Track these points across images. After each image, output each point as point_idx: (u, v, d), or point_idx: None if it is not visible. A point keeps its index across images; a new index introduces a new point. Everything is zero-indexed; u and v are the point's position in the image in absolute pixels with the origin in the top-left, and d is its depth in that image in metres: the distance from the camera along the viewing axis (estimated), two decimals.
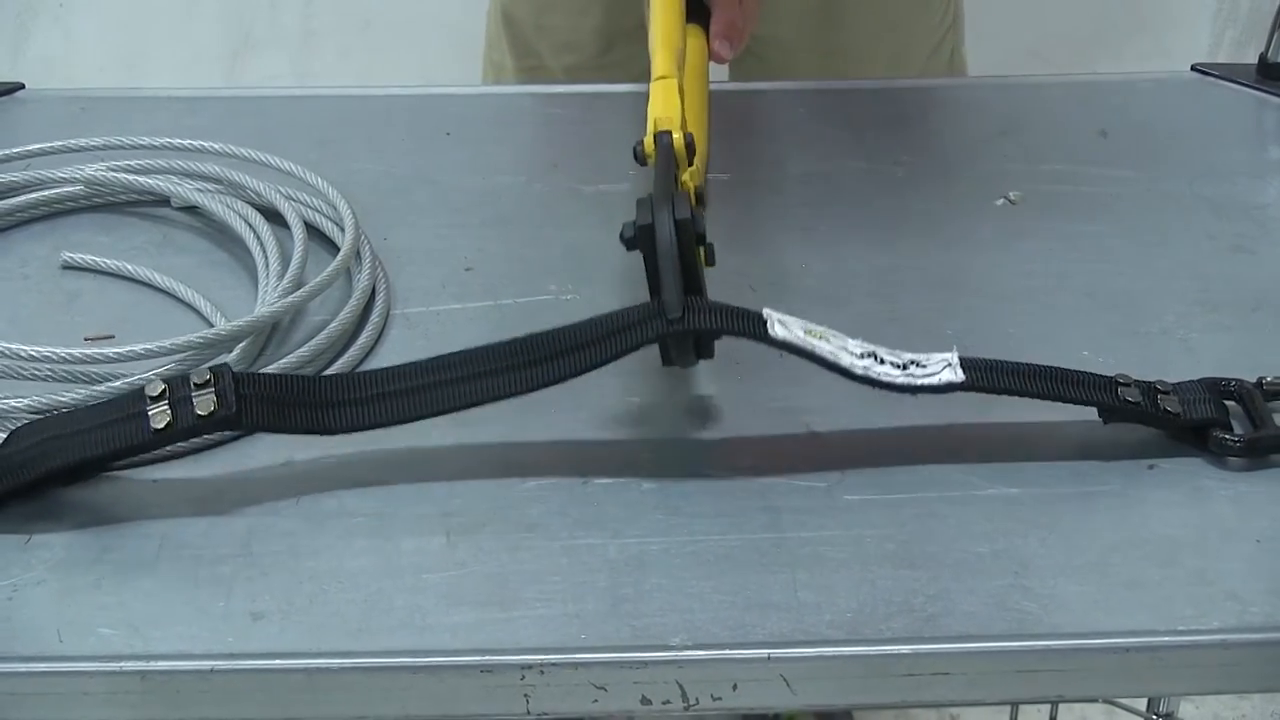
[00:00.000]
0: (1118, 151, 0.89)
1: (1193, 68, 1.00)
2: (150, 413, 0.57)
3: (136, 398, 0.58)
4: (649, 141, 0.68)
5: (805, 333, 0.60)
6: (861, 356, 0.60)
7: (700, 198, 0.71)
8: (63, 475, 0.58)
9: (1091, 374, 0.63)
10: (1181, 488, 0.61)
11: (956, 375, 0.60)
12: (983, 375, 0.61)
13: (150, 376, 0.61)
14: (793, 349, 0.59)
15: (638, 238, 0.60)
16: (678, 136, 0.68)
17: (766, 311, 0.60)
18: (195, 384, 0.58)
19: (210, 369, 0.59)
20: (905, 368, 0.60)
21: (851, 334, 0.70)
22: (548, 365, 0.60)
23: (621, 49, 1.12)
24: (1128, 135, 0.91)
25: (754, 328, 0.59)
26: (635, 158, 0.68)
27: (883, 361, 0.60)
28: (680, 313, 0.59)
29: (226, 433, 0.61)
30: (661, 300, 0.59)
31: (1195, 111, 0.96)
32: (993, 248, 0.79)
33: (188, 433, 0.58)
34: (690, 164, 0.69)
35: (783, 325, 0.60)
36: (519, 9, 1.16)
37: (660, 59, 0.76)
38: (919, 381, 0.60)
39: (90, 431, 0.58)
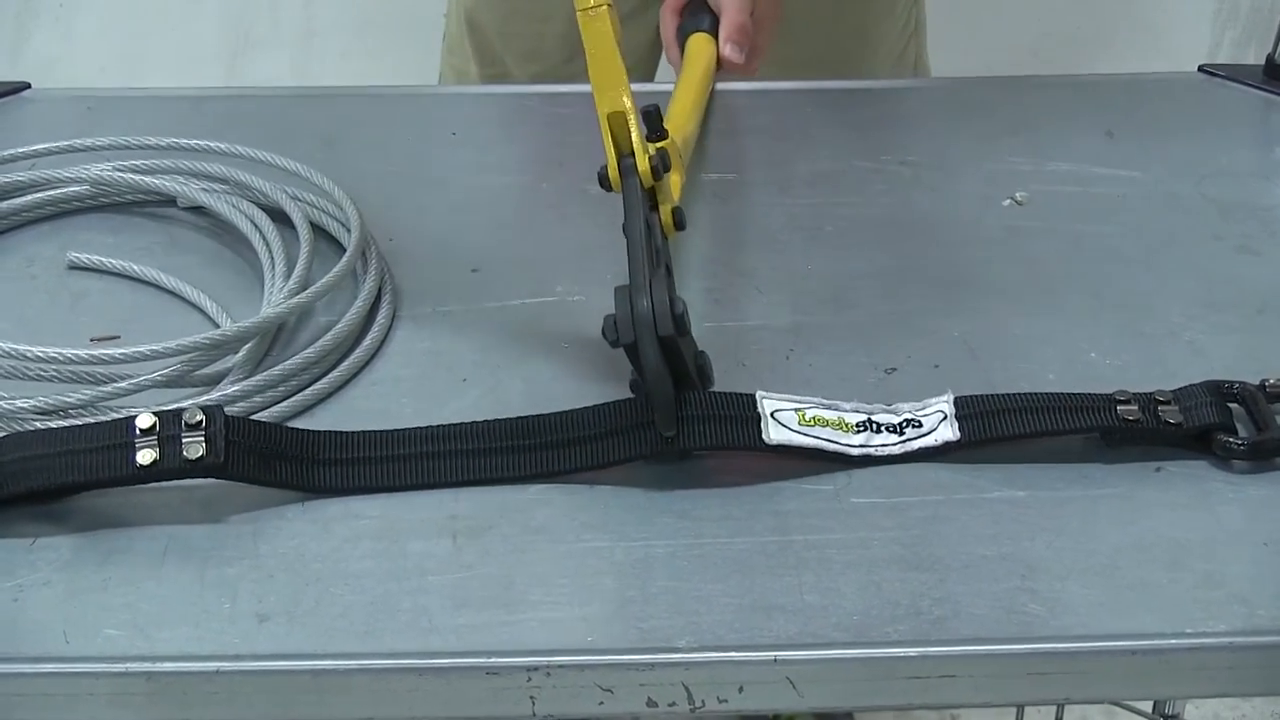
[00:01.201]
0: (1124, 152, 0.89)
1: (1200, 68, 1.00)
2: (137, 446, 0.57)
3: (125, 428, 0.57)
4: (613, 171, 0.64)
5: (800, 420, 0.61)
6: (858, 429, 0.61)
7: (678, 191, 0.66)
8: (39, 495, 0.58)
9: (1088, 395, 0.63)
10: (1188, 490, 0.61)
11: (953, 433, 0.61)
12: (978, 425, 0.62)
13: (143, 405, 0.60)
14: (790, 449, 0.60)
15: (621, 346, 0.59)
16: (642, 162, 0.63)
17: (759, 397, 0.61)
18: (187, 424, 0.57)
19: (203, 409, 0.58)
20: (902, 431, 0.62)
21: (857, 335, 0.70)
22: (540, 454, 0.61)
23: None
24: (1134, 136, 0.91)
25: (748, 437, 0.60)
26: (600, 183, 0.65)
27: (879, 429, 0.61)
28: (674, 430, 0.59)
29: None
30: (655, 419, 0.59)
31: (1202, 112, 0.95)
32: (999, 248, 0.79)
33: (173, 473, 0.57)
34: (663, 139, 0.64)
35: (776, 423, 0.60)
36: (483, 15, 1.15)
37: None
38: (916, 445, 0.61)
39: (73, 455, 0.57)
